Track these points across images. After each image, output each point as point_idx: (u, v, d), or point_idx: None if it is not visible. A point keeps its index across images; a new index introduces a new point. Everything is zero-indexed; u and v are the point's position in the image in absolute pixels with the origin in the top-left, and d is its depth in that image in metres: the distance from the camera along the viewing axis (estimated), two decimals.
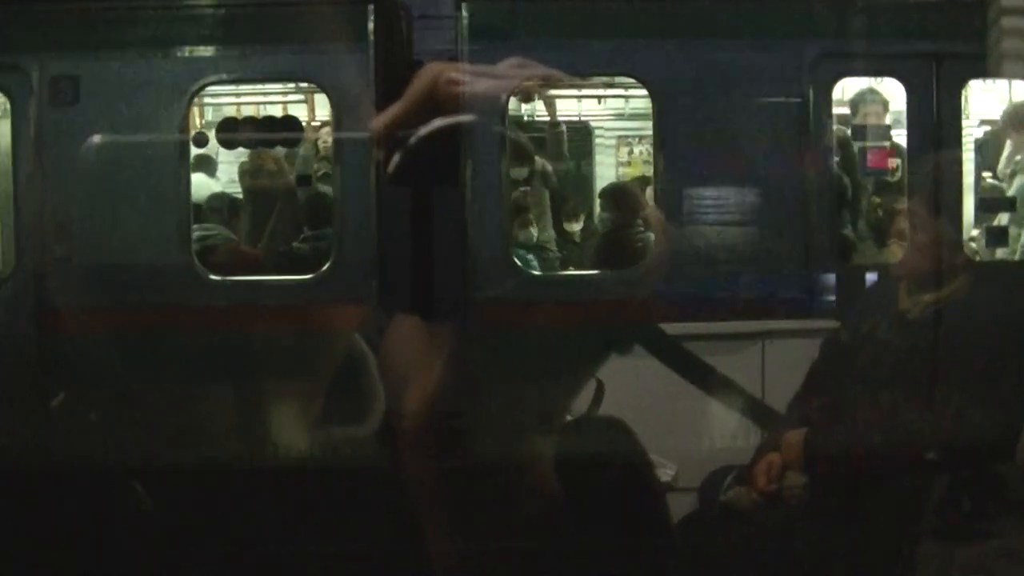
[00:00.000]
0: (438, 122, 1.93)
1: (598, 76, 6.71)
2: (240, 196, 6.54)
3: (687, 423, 4.98)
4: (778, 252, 5.61)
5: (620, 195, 6.87)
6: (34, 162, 5.33)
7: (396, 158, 1.94)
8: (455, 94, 1.94)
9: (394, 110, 2.00)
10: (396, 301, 2.27)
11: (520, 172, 6.33)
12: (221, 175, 7.49)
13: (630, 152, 8.72)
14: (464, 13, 5.42)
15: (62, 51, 5.40)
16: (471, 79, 2.00)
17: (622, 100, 8.26)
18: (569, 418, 2.67)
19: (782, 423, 4.36)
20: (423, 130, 1.93)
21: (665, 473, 4.43)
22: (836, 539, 4.00)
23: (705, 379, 5.00)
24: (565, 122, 7.34)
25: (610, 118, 8.51)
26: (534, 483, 2.32)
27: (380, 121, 2.00)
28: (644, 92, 5.83)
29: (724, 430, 5.01)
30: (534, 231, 6.56)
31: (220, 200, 6.35)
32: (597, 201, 7.20)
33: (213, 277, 5.42)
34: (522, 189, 6.56)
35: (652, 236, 6.07)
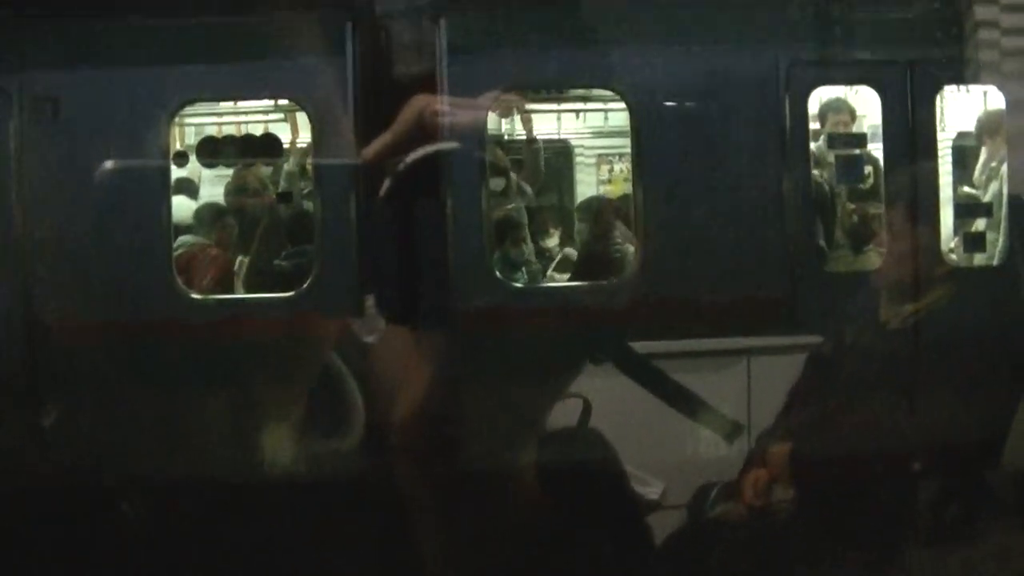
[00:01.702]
0: (426, 150, 1.98)
1: (576, 88, 6.77)
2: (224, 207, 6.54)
3: (673, 438, 4.99)
4: (757, 261, 5.64)
5: (595, 209, 6.94)
6: (16, 181, 5.34)
7: (386, 182, 1.99)
8: (440, 124, 2.00)
9: (384, 139, 2.06)
10: (380, 314, 2.29)
11: (498, 186, 6.35)
12: (203, 199, 7.47)
13: (610, 170, 8.72)
14: (443, 26, 5.45)
15: (42, 71, 5.42)
16: (455, 110, 2.05)
17: (602, 117, 8.27)
18: (552, 431, 2.69)
19: (767, 437, 4.37)
20: (412, 158, 1.98)
21: (652, 492, 4.43)
22: (825, 550, 4.01)
23: (677, 396, 5.01)
24: (543, 140, 7.35)
25: (590, 135, 8.51)
26: (517, 489, 2.34)
27: (371, 150, 2.06)
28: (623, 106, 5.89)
29: (705, 446, 5.01)
30: (514, 246, 6.58)
31: (205, 212, 6.36)
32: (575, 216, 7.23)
33: (194, 296, 5.43)
34: (504, 207, 6.58)
35: (630, 249, 6.11)
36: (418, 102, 2.07)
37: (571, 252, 6.95)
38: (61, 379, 5.23)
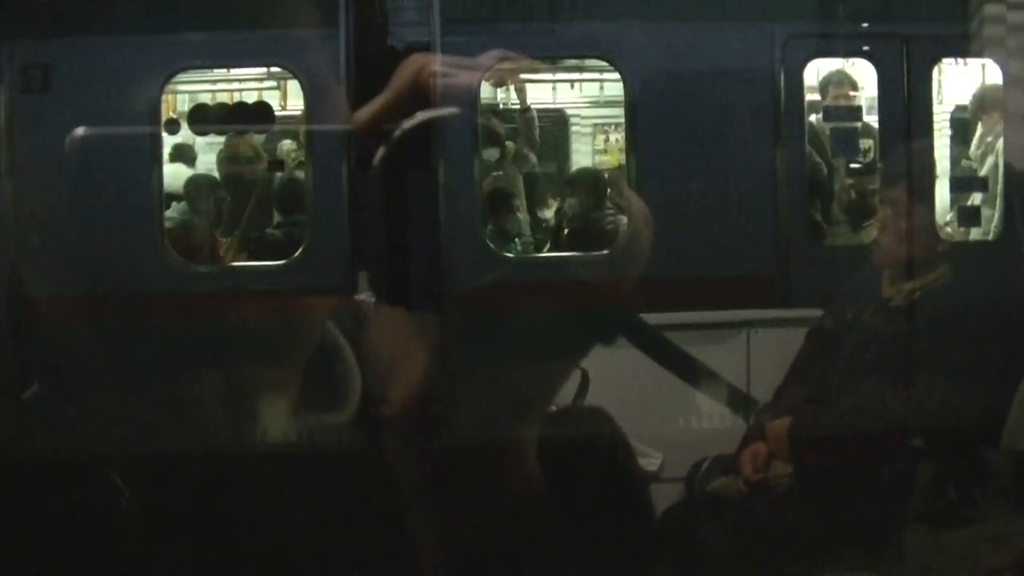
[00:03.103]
0: (423, 115, 1.94)
1: (570, 59, 6.76)
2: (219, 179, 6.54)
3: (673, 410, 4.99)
4: (752, 233, 5.63)
5: (586, 180, 6.94)
6: (6, 151, 5.31)
7: (377, 149, 1.95)
8: (436, 86, 1.96)
9: (378, 103, 2.00)
10: (370, 285, 2.27)
11: (492, 155, 6.36)
12: (200, 166, 7.47)
13: (606, 140, 8.73)
14: None
15: (32, 38, 5.39)
16: (452, 71, 2.01)
17: (597, 87, 8.27)
18: (553, 408, 2.67)
19: (767, 411, 4.36)
20: (408, 123, 1.94)
21: (651, 463, 4.43)
22: (822, 526, 4.01)
23: (682, 365, 5.00)
24: (539, 109, 7.36)
25: (586, 106, 8.52)
26: (515, 466, 2.32)
27: (363, 114, 2.01)
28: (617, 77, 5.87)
29: (708, 417, 5.01)
30: (510, 215, 6.59)
31: (194, 184, 6.35)
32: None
33: (187, 265, 5.43)
34: (494, 174, 6.59)
35: (625, 219, 6.10)
36: (415, 61, 2.01)
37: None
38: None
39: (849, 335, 4.33)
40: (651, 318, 4.91)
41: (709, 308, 5.56)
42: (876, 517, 4.07)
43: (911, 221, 4.44)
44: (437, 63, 1.95)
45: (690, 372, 4.79)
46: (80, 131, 5.21)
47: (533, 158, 7.13)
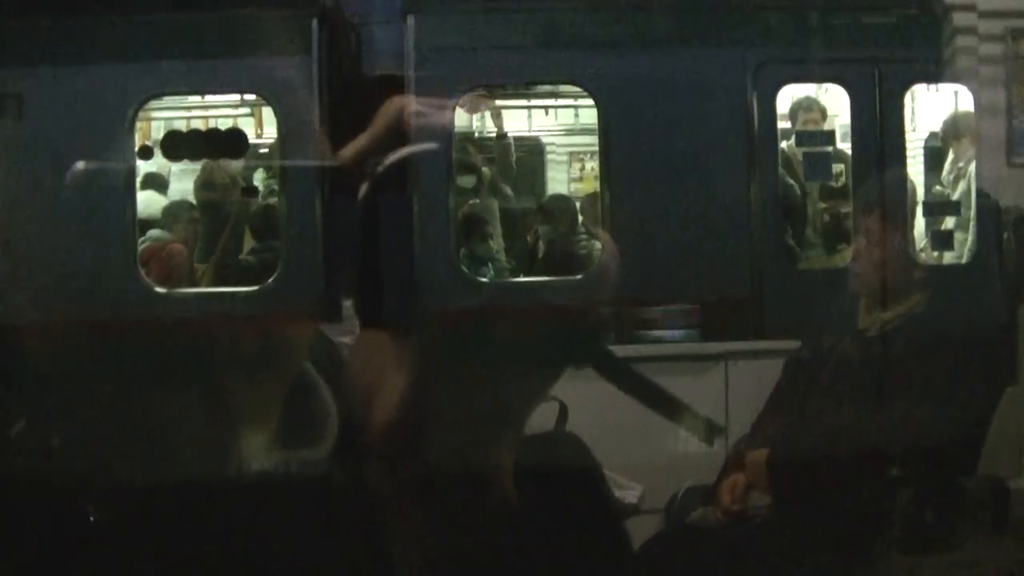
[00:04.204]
0: (405, 151, 1.99)
1: (544, 84, 6.78)
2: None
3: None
4: (725, 257, 5.65)
5: (556, 207, 6.97)
6: None
7: (356, 181, 1.99)
8: (415, 125, 2.01)
9: (362, 141, 2.06)
10: (345, 310, 2.27)
11: (467, 182, 6.36)
12: (174, 194, 7.45)
13: (582, 168, 8.74)
14: (410, 24, 5.45)
15: (5, 68, 5.38)
16: (429, 110, 2.06)
17: (572, 115, 8.29)
18: (528, 434, 2.67)
19: (745, 442, 4.35)
20: (391, 159, 1.99)
21: (630, 495, 4.42)
22: (801, 555, 4.00)
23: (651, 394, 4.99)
24: (515, 137, 7.36)
25: (561, 133, 8.54)
26: (491, 487, 2.32)
27: (349, 151, 2.06)
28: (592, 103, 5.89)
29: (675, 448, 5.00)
30: (483, 242, 6.58)
31: (173, 209, 6.34)
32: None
33: (159, 290, 5.41)
34: (470, 202, 6.59)
35: (597, 245, 6.12)
36: (397, 103, 2.07)
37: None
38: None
39: (826, 365, 4.33)
40: (631, 349, 4.91)
41: (683, 329, 5.58)
42: (854, 544, 4.07)
43: (887, 251, 4.45)
44: (415, 104, 2.01)
45: (660, 403, 4.77)
46: (56, 158, 5.22)
47: (508, 185, 7.13)
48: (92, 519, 4.46)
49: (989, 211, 5.86)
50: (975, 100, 6.15)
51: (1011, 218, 5.89)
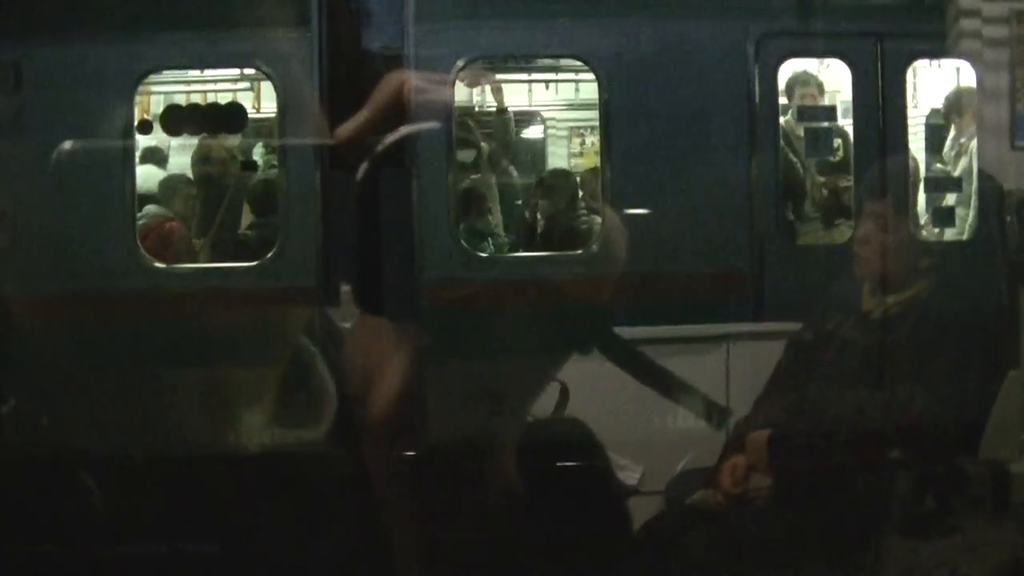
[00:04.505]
0: (406, 129, 1.98)
1: (544, 58, 6.76)
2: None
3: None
4: (726, 233, 5.64)
5: (555, 182, 6.95)
6: None
7: (355, 158, 1.98)
8: (414, 101, 1.99)
9: (361, 117, 2.04)
10: (342, 285, 2.26)
11: (467, 156, 6.36)
12: (173, 168, 7.44)
13: (582, 143, 8.73)
14: None
15: (3, 38, 5.35)
16: (429, 86, 2.04)
17: (573, 90, 8.27)
18: (530, 419, 2.66)
19: (746, 424, 4.35)
20: (392, 137, 1.98)
21: (631, 476, 4.42)
22: (802, 537, 4.00)
23: (653, 373, 4.99)
24: (515, 112, 7.35)
25: (562, 108, 8.52)
26: (493, 467, 2.31)
27: (348, 126, 2.04)
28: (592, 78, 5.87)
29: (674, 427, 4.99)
30: (482, 217, 6.59)
31: (170, 183, 6.32)
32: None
33: (158, 265, 5.40)
34: (472, 177, 6.59)
35: (597, 220, 6.11)
36: (396, 78, 2.05)
37: None
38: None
39: (829, 347, 4.33)
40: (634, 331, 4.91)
41: (684, 303, 5.57)
42: (855, 527, 4.07)
43: (893, 236, 4.44)
44: (414, 79, 1.99)
45: (661, 383, 4.75)
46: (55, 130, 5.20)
47: (508, 159, 7.13)
48: (92, 492, 4.47)
49: (992, 194, 5.85)
50: (978, 82, 6.12)
51: (1014, 201, 5.89)
